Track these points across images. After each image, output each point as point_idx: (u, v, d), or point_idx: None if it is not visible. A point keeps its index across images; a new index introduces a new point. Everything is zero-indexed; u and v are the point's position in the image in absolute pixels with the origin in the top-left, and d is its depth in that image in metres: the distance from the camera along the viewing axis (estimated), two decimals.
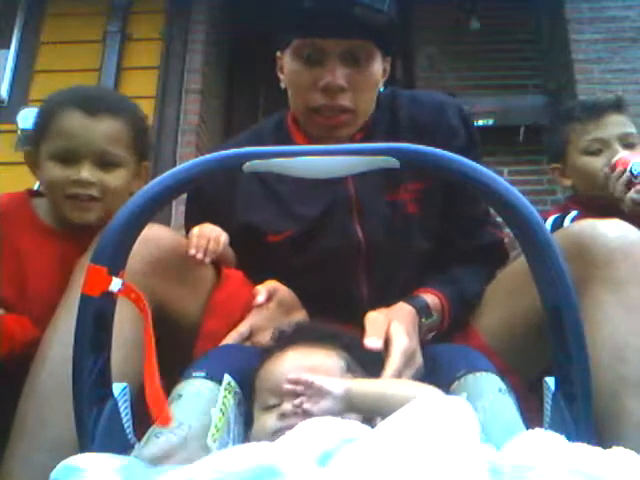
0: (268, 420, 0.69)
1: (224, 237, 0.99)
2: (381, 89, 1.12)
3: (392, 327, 0.84)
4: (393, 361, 0.79)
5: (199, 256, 0.93)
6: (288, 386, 0.67)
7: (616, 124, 1.39)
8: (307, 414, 0.65)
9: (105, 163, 1.08)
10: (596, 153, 1.38)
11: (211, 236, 0.96)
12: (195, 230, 0.97)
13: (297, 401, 0.66)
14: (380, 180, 1.04)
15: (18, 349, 0.92)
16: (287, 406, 0.68)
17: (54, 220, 1.13)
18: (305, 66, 1.03)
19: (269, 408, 0.70)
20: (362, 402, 0.66)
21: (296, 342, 0.77)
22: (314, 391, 0.66)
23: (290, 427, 0.62)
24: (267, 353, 0.78)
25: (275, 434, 0.65)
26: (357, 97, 1.03)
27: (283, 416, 0.67)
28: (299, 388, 0.67)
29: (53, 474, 0.53)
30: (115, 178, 1.10)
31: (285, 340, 0.79)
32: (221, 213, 1.09)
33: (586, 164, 1.39)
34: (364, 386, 0.68)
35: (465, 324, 1.04)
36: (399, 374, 0.78)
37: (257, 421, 0.71)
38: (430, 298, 0.98)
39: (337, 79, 1.00)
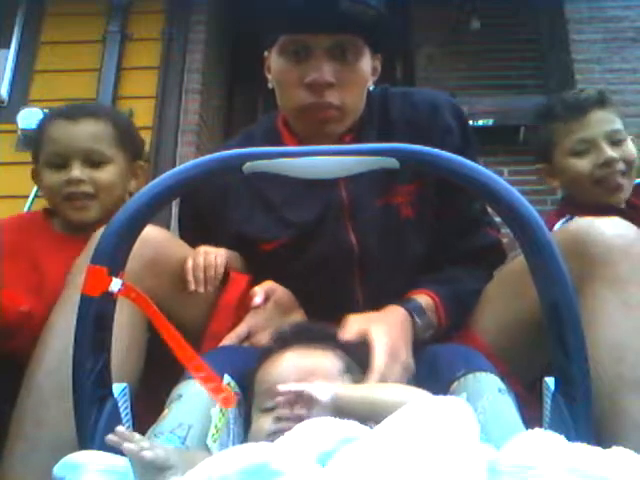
0: (264, 423, 0.69)
1: (221, 259, 0.96)
2: (371, 88, 1.10)
3: (372, 330, 0.84)
4: (377, 360, 0.78)
5: (200, 290, 0.92)
6: (280, 398, 0.67)
7: (601, 122, 1.32)
8: (302, 418, 0.65)
9: (94, 161, 1.19)
10: (583, 154, 1.32)
11: (207, 263, 0.93)
12: (189, 262, 0.93)
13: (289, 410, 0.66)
14: (373, 184, 1.02)
15: (10, 324, 0.97)
16: (283, 410, 0.67)
17: (65, 228, 1.22)
18: (291, 63, 1.01)
19: (266, 410, 0.70)
20: (351, 408, 0.65)
21: (294, 343, 0.77)
22: (305, 400, 0.66)
23: (286, 430, 0.62)
24: (265, 354, 0.78)
25: (270, 437, 0.65)
26: (345, 94, 1.01)
27: (279, 419, 0.67)
28: (291, 397, 0.67)
29: (55, 469, 0.53)
30: (105, 174, 1.20)
31: (283, 341, 0.79)
32: (213, 223, 1.09)
33: (573, 166, 1.33)
34: (352, 392, 0.68)
35: (464, 324, 1.03)
36: (385, 372, 0.78)
37: (254, 423, 0.71)
38: (423, 299, 0.98)
39: (324, 75, 0.98)
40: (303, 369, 0.71)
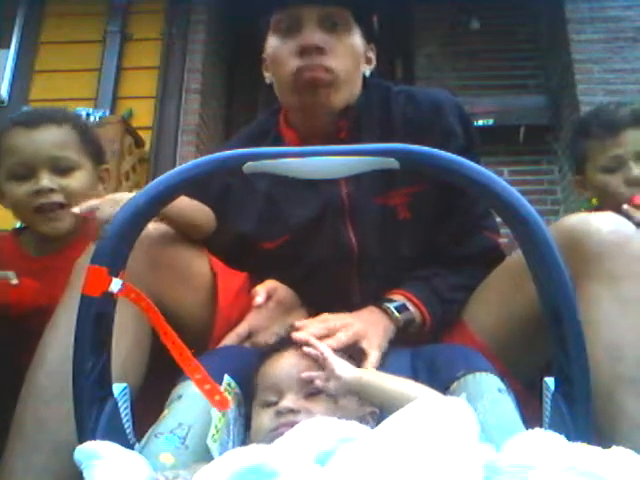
0: (265, 417, 0.70)
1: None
2: (367, 73, 1.11)
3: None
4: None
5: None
6: (298, 334, 0.74)
7: (633, 141, 1.36)
8: (304, 413, 0.67)
9: (61, 169, 1.13)
10: (613, 170, 1.36)
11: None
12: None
13: (312, 374, 0.70)
14: (373, 184, 1.02)
15: (28, 310, 1.00)
16: (285, 403, 0.69)
17: (38, 250, 1.17)
18: (285, 39, 1.03)
19: (268, 405, 0.71)
20: (370, 393, 0.69)
21: (291, 345, 0.79)
22: (326, 371, 0.71)
23: (286, 424, 0.64)
24: (270, 351, 0.79)
25: (271, 432, 0.66)
26: (336, 61, 1.02)
27: (279, 414, 0.68)
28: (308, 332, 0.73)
29: (75, 453, 0.54)
30: (75, 181, 1.14)
31: (289, 339, 0.80)
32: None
33: (603, 182, 1.38)
34: (375, 379, 0.70)
35: (459, 322, 1.03)
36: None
37: (255, 419, 0.72)
38: (396, 297, 0.99)
39: (314, 39, 1.00)
40: (305, 366, 0.74)
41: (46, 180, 1.10)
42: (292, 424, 0.62)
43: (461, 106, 1.12)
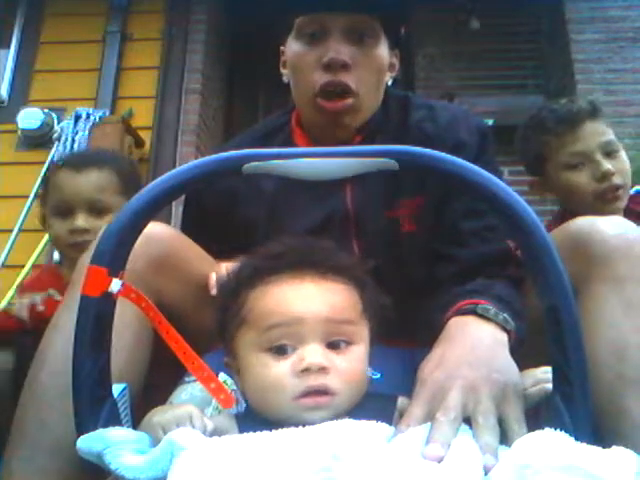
0: (280, 371, 0.58)
1: None
2: (389, 82, 1.09)
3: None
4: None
5: None
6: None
7: (595, 133, 1.29)
8: (333, 371, 0.57)
9: (98, 210, 1.27)
10: (578, 167, 1.29)
11: None
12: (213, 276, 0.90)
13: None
14: (378, 195, 1.01)
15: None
16: (313, 358, 0.57)
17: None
18: (309, 46, 1.01)
19: (279, 352, 0.59)
20: None
21: (307, 267, 0.65)
22: None
23: (318, 391, 0.57)
24: (267, 272, 0.65)
25: (299, 399, 0.57)
26: (361, 78, 0.99)
27: (307, 372, 0.57)
28: None
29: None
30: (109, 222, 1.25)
31: (293, 261, 0.65)
32: (216, 227, 1.08)
33: (570, 180, 1.30)
34: None
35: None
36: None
37: (255, 366, 0.60)
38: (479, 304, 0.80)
39: (341, 55, 0.97)
40: (329, 305, 0.61)
41: (81, 220, 1.25)
42: (324, 389, 0.56)
43: (480, 123, 1.08)
